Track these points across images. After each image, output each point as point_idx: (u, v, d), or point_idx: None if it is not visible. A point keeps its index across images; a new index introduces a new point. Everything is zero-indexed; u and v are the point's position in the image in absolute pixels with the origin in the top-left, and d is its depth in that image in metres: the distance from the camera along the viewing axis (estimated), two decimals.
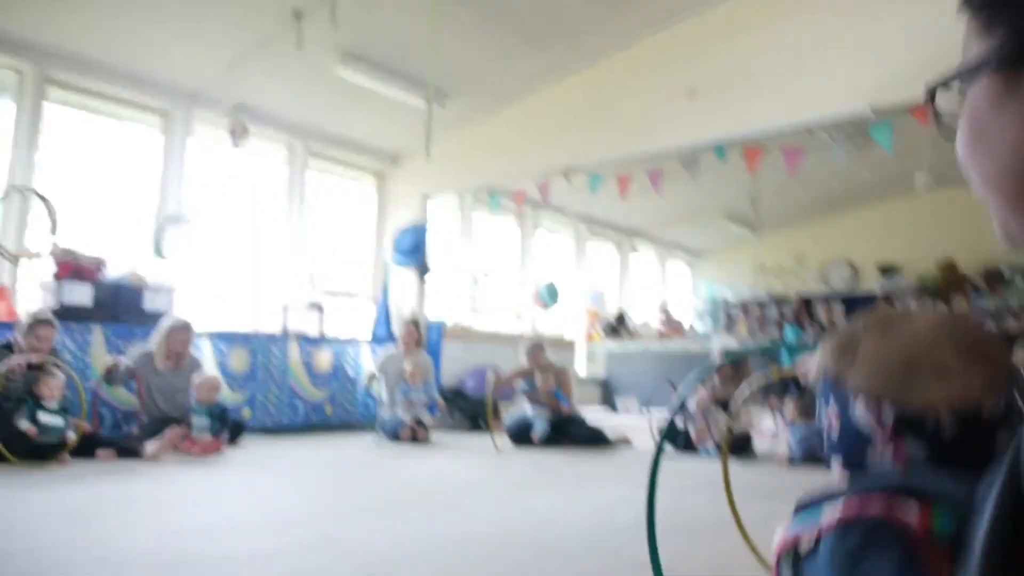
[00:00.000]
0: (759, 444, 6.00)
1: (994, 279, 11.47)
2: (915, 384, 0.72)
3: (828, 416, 0.81)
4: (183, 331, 5.54)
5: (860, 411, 0.76)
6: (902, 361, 0.74)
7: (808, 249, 13.47)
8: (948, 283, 11.58)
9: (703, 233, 13.41)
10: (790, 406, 5.50)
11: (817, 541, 0.70)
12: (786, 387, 9.84)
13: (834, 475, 0.81)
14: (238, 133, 7.37)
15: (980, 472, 0.68)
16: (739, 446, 5.67)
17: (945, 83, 0.67)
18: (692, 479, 4.48)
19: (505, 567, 2.31)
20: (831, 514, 0.70)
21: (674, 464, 5.21)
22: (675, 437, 5.96)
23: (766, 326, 12.94)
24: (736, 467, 5.17)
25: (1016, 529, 0.51)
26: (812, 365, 1.42)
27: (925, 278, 11.87)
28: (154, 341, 5.51)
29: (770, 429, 7.57)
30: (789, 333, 10.14)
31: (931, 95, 0.69)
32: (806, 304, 12.05)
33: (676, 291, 14.33)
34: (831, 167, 9.41)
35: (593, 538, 2.77)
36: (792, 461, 5.16)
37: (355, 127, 8.39)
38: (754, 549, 2.19)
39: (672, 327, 11.82)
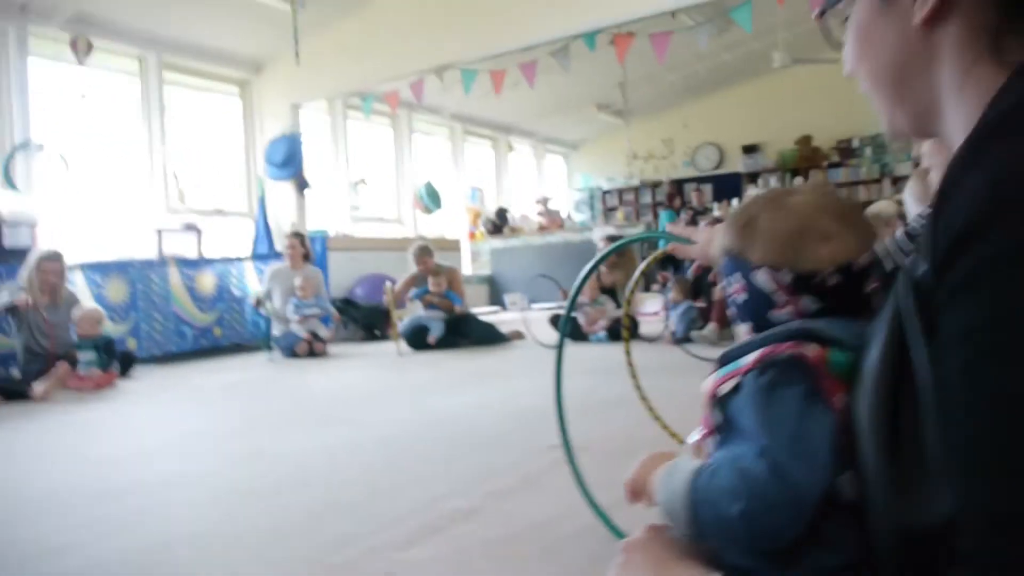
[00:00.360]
0: (644, 326, 6.35)
1: (846, 152, 12.23)
2: (805, 249, 0.87)
3: (735, 287, 0.93)
4: (54, 261, 5.17)
5: (762, 278, 0.89)
6: (793, 232, 0.88)
7: (677, 134, 13.87)
8: (805, 158, 12.27)
9: (577, 125, 13.56)
10: (673, 288, 5.78)
11: (739, 383, 0.84)
12: (666, 270, 10.34)
13: (741, 336, 0.95)
14: (81, 48, 6.82)
15: (858, 315, 0.86)
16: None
17: (834, 3, 0.77)
18: (589, 363, 4.72)
19: (429, 453, 2.42)
20: (749, 360, 0.84)
21: (568, 352, 5.45)
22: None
23: (642, 212, 13.39)
24: (620, 348, 5.49)
25: (898, 358, 0.64)
26: (694, 250, 1.61)
27: (784, 154, 12.52)
28: (23, 277, 5.17)
29: (653, 310, 7.99)
30: (664, 218, 10.55)
31: (822, 14, 0.79)
32: (678, 188, 12.52)
33: (554, 184, 14.53)
34: (695, 52, 9.66)
35: (506, 425, 2.92)
36: (676, 338, 5.48)
37: (212, 35, 7.89)
38: (658, 418, 2.37)
39: (552, 220, 12.05)
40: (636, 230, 11.32)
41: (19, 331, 4.98)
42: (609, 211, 13.66)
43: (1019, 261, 0.49)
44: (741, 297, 0.93)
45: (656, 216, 12.06)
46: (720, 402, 0.88)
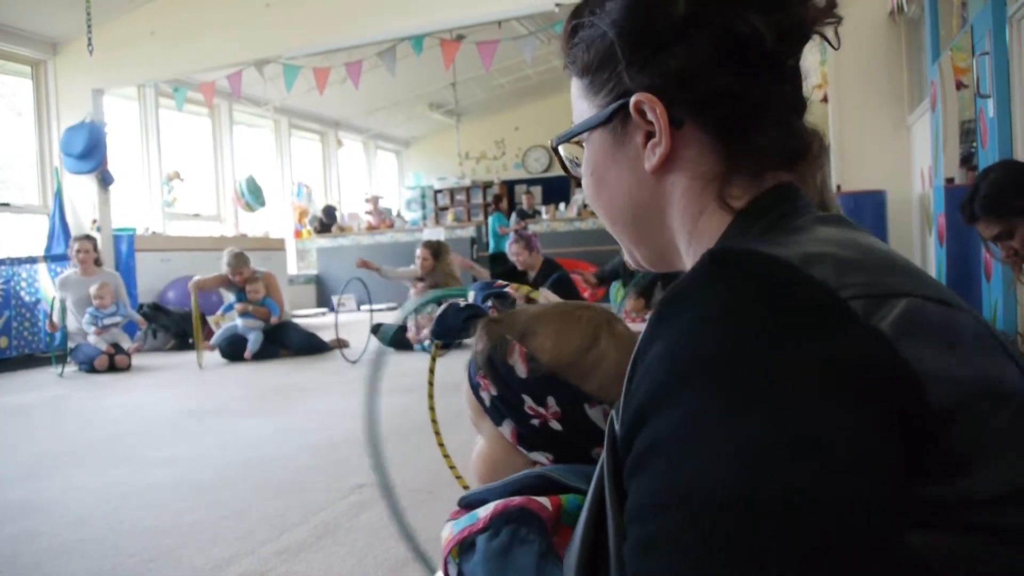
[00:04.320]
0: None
1: None
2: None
3: (541, 412, 0.81)
4: None
5: (597, 415, 0.80)
6: (623, 369, 0.82)
7: (508, 136, 14.05)
8: None
9: (408, 123, 13.41)
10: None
11: (471, 540, 0.76)
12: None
13: (539, 470, 0.82)
14: None
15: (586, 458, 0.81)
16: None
17: (566, 140, 0.75)
18: (409, 378, 4.63)
19: (221, 499, 2.26)
20: (484, 514, 0.77)
21: (389, 363, 5.34)
22: (389, 336, 6.10)
23: (473, 213, 13.45)
24: (448, 359, 5.45)
25: (599, 521, 0.60)
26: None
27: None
28: None
29: None
30: (493, 221, 10.64)
31: (555, 149, 0.78)
32: (509, 189, 12.67)
33: (385, 182, 14.30)
34: (524, 58, 9.79)
35: (312, 458, 2.79)
36: None
37: (1, 7, 7.09)
38: (447, 455, 2.32)
39: (381, 219, 11.85)
40: (466, 231, 11.34)
41: None
42: (441, 211, 13.64)
43: (679, 441, 0.48)
44: (554, 425, 0.80)
45: (486, 217, 12.14)
46: (459, 559, 0.80)
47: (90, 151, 7.49)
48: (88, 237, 6.26)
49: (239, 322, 6.09)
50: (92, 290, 5.77)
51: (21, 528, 2.16)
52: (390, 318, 6.64)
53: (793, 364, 0.47)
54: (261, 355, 5.91)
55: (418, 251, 6.25)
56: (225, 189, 10.11)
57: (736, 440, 0.45)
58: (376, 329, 6.08)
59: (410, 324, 6.07)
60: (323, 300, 11.14)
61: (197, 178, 9.74)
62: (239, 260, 6.22)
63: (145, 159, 8.95)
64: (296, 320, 7.21)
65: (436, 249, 6.26)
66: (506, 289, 1.02)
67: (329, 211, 11.67)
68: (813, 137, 0.68)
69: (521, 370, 0.81)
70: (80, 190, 7.73)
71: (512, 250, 5.86)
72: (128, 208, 8.41)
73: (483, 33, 7.41)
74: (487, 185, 13.65)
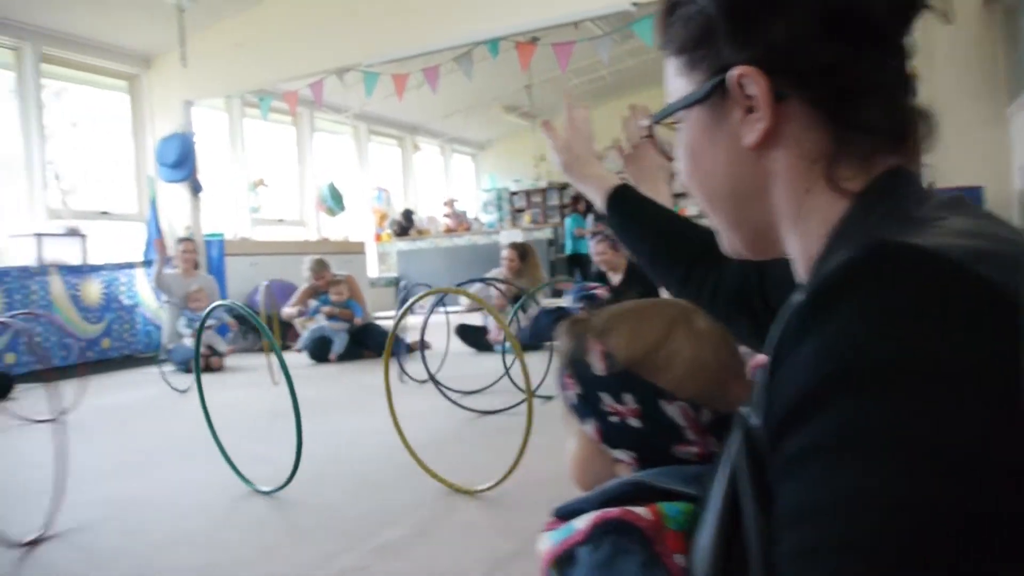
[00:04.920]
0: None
1: None
2: (727, 389, 0.80)
3: (622, 408, 0.82)
4: None
5: (675, 411, 0.79)
6: (716, 368, 0.81)
7: None
8: None
9: (484, 126, 13.51)
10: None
11: (571, 552, 0.76)
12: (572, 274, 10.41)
13: (623, 471, 0.84)
14: None
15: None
16: (534, 341, 5.96)
17: (663, 118, 0.74)
18: (488, 379, 4.67)
19: (321, 496, 2.32)
20: (581, 526, 0.76)
21: (471, 364, 5.40)
22: (471, 336, 6.16)
23: (549, 214, 13.46)
24: (527, 359, 5.46)
25: (733, 522, 0.59)
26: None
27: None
28: None
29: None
30: (570, 222, 10.62)
31: (650, 129, 0.77)
32: None
33: (461, 185, 14.45)
34: (600, 58, 9.74)
35: (402, 457, 2.83)
36: None
37: (97, 26, 7.44)
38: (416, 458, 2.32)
39: (459, 221, 11.98)
40: (543, 233, 11.37)
41: None
42: (517, 213, 13.68)
43: (846, 443, 0.46)
44: (633, 422, 0.81)
45: (563, 219, 12.12)
46: (559, 569, 0.79)
47: (182, 160, 7.80)
48: (187, 240, 6.55)
49: (325, 324, 6.24)
50: (190, 292, 6.00)
51: (132, 521, 2.26)
52: (471, 320, 6.68)
53: (968, 368, 0.45)
54: (346, 356, 6.04)
55: (504, 252, 6.25)
56: (308, 195, 10.38)
57: (909, 446, 0.44)
58: (461, 330, 6.14)
59: (490, 325, 6.11)
60: (404, 302, 11.32)
61: (281, 184, 10.03)
62: (320, 265, 6.45)
63: (232, 167, 9.26)
64: (379, 322, 7.34)
65: (522, 251, 6.27)
66: (596, 291, 1.04)
67: (408, 214, 11.86)
68: (921, 118, 0.66)
69: (599, 368, 0.83)
70: (173, 198, 8.06)
71: (596, 250, 5.80)
72: (217, 214, 8.71)
73: (558, 35, 7.41)
74: (563, 187, 13.63)
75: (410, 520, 2.09)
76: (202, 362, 5.74)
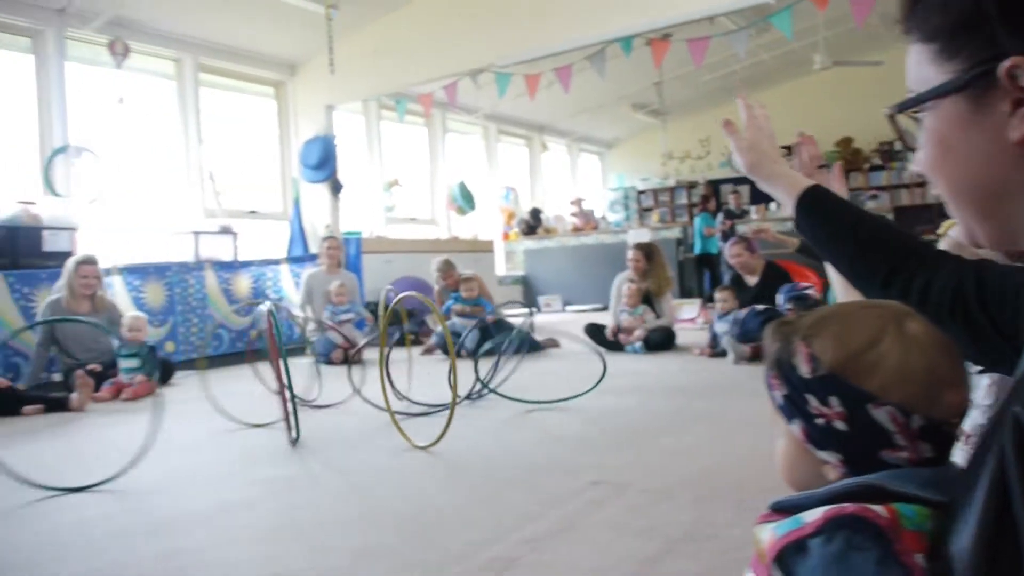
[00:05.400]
0: (681, 336, 6.25)
1: (888, 154, 11.98)
2: (942, 396, 0.78)
3: (828, 411, 0.81)
4: (91, 264, 5.13)
5: (884, 416, 0.79)
6: (930, 374, 0.79)
7: (714, 134, 13.70)
8: (845, 161, 12.05)
9: (611, 124, 13.45)
10: (721, 294, 5.57)
11: (800, 543, 0.76)
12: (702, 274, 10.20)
13: (830, 472, 0.84)
14: (118, 51, 6.88)
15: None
16: (662, 340, 5.88)
17: (911, 107, 0.71)
18: (624, 379, 4.64)
19: (462, 488, 2.38)
20: (812, 518, 0.76)
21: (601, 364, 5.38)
22: (600, 336, 6.14)
23: (677, 213, 13.24)
24: (657, 360, 5.40)
25: (1000, 540, 0.57)
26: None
27: (824, 156, 12.27)
28: (61, 283, 5.17)
29: (689, 317, 7.88)
30: (699, 221, 10.40)
31: (893, 117, 0.74)
32: (714, 189, 12.34)
33: (588, 184, 14.43)
34: (733, 53, 9.49)
35: (539, 454, 2.87)
36: (715, 350, 5.37)
37: (247, 36, 7.92)
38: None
39: (586, 220, 11.98)
40: (672, 232, 11.20)
41: (43, 343, 5.02)
42: (644, 212, 13.53)
43: None
44: (839, 425, 0.81)
45: (691, 218, 11.90)
46: (782, 562, 0.79)
47: (324, 162, 8.16)
48: (334, 239, 6.85)
49: (456, 321, 6.38)
50: (333, 287, 6.28)
51: (312, 494, 2.39)
52: (598, 318, 6.67)
53: None
54: (476, 353, 6.14)
55: (630, 253, 6.20)
56: (439, 194, 10.64)
57: None
58: (590, 329, 6.14)
59: (615, 325, 6.07)
60: (530, 300, 11.43)
61: (414, 184, 10.33)
62: (447, 265, 6.67)
63: (368, 168, 9.61)
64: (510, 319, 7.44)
65: (648, 251, 6.19)
66: (808, 291, 1.02)
67: (535, 213, 11.95)
68: None
69: (804, 370, 0.82)
70: (314, 197, 8.45)
71: (731, 252, 5.65)
72: (354, 213, 9.06)
73: (690, 30, 7.28)
74: (691, 185, 13.39)
75: (555, 515, 2.12)
76: (342, 355, 6.00)
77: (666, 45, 6.89)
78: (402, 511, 2.25)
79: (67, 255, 5.79)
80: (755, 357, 5.03)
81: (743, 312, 5.19)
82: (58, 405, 4.41)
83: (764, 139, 1.28)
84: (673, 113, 12.97)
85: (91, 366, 4.86)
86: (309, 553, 1.92)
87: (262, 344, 7.07)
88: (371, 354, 6.52)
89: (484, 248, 10.15)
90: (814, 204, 1.13)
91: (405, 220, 10.09)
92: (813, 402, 0.82)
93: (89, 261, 5.17)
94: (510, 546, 1.89)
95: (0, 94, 6.53)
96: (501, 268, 11.41)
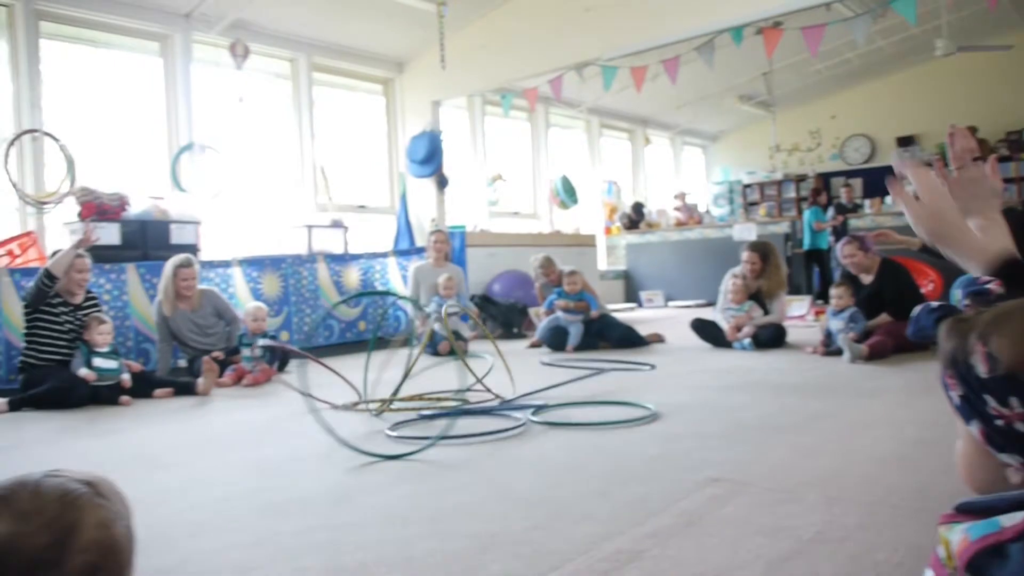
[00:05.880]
0: (792, 333, 6.06)
1: (1017, 144, 11.28)
2: None
3: (1005, 413, 0.78)
4: (188, 267, 5.29)
5: None
6: None
7: (824, 125, 13.24)
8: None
9: (717, 117, 13.17)
10: (837, 290, 5.35)
11: (999, 548, 0.73)
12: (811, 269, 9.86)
13: (1012, 475, 0.81)
14: (239, 52, 7.19)
15: None
16: (772, 338, 5.72)
17: None
18: (733, 376, 4.55)
19: (579, 481, 2.38)
20: (1014, 522, 0.73)
21: (709, 361, 5.29)
22: (707, 331, 6.02)
23: (784, 208, 12.85)
24: (767, 358, 5.26)
25: None
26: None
27: (944, 147, 11.67)
28: (161, 287, 5.35)
29: (799, 314, 7.65)
30: (809, 215, 10.05)
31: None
32: (825, 182, 11.92)
33: (691, 178, 14.19)
34: (848, 40, 9.14)
35: (653, 448, 2.84)
36: (829, 348, 5.19)
37: (358, 36, 8.15)
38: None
39: (690, 215, 11.78)
40: (779, 227, 10.89)
41: (163, 337, 5.29)
42: (750, 206, 13.18)
43: None
44: (1021, 427, 0.78)
45: (800, 212, 11.53)
46: (975, 566, 0.76)
47: (430, 157, 8.31)
48: (442, 232, 6.96)
49: (560, 315, 6.38)
50: (440, 280, 6.39)
51: (432, 481, 2.45)
52: (702, 314, 6.53)
53: None
54: (582, 347, 6.14)
55: (744, 255, 5.95)
56: (541, 188, 10.67)
57: None
58: (696, 324, 6.04)
59: (722, 322, 5.94)
60: (631, 295, 11.33)
61: (516, 178, 10.40)
62: (548, 262, 6.69)
63: (472, 162, 9.72)
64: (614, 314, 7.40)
65: (764, 251, 5.92)
66: (989, 286, 0.97)
67: (638, 207, 11.83)
68: None
69: (982, 370, 0.79)
70: (420, 192, 8.61)
71: (844, 252, 5.42)
72: (458, 207, 9.19)
73: (803, 18, 7.05)
74: (800, 178, 12.96)
75: (675, 510, 2.09)
76: (448, 346, 6.10)
77: (779, 34, 6.68)
78: (523, 500, 2.27)
79: (192, 248, 6.11)
80: (872, 357, 4.84)
81: (917, 310, 4.98)
82: (186, 389, 4.66)
83: (945, 205, 1.18)
84: (781, 104, 12.59)
85: (215, 353, 5.10)
86: (437, 537, 1.96)
87: (368, 335, 7.27)
88: (475, 346, 6.62)
89: (586, 242, 10.12)
90: (1016, 273, 1.07)
91: (508, 214, 10.17)
92: (992, 403, 0.79)
93: (186, 264, 5.31)
94: (633, 539, 1.89)
95: (132, 96, 6.93)
96: (603, 263, 11.35)
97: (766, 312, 5.83)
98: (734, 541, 1.86)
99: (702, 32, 6.75)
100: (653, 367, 4.97)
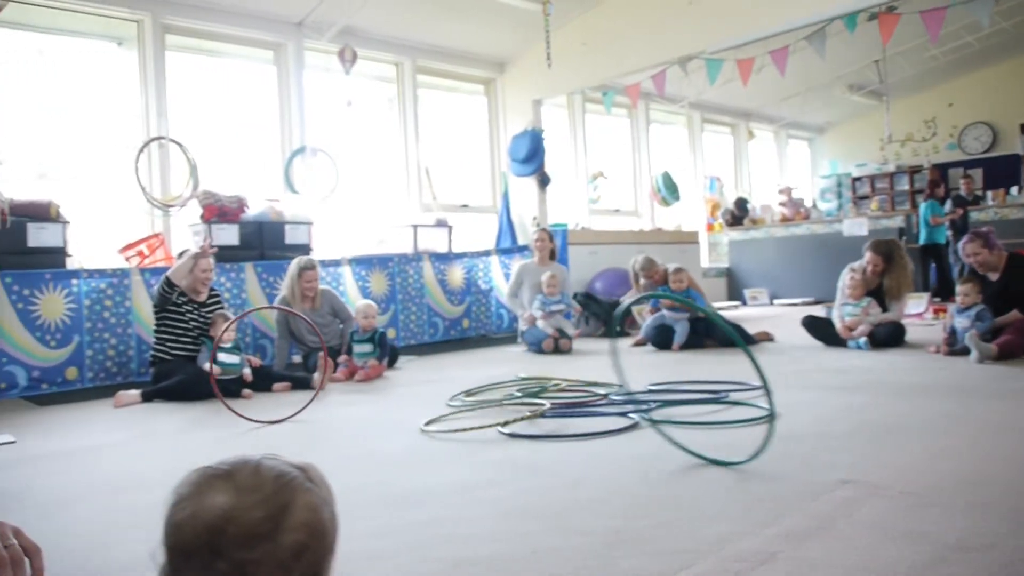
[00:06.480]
0: (910, 332, 5.80)
1: None
2: None
3: None
4: (311, 269, 5.47)
5: None
6: None
7: (940, 113, 12.61)
8: None
9: (824, 108, 12.72)
10: (963, 287, 5.08)
11: None
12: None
13: None
14: (347, 58, 7.39)
15: None
16: (890, 336, 5.49)
17: None
18: (848, 375, 4.39)
19: (705, 478, 2.35)
20: None
21: (822, 360, 5.12)
22: (819, 329, 5.83)
23: (897, 201, 12.31)
24: (885, 357, 5.04)
25: None
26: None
27: None
28: (286, 286, 5.54)
29: (916, 311, 7.32)
30: (925, 209, 9.58)
31: None
32: (942, 173, 11.35)
33: (797, 172, 13.76)
34: (969, 23, 8.68)
35: (778, 449, 2.77)
36: (953, 348, 4.93)
37: (461, 37, 8.26)
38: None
39: (796, 210, 11.42)
40: (893, 221, 10.43)
41: (283, 334, 5.49)
42: (860, 200, 12.67)
43: None
44: None
45: (915, 205, 11.02)
46: None
47: (532, 155, 8.35)
48: (546, 231, 6.96)
49: (665, 313, 6.30)
50: (544, 278, 6.41)
51: (527, 483, 2.46)
52: (811, 312, 6.32)
53: None
54: (688, 345, 6.05)
55: (866, 256, 5.71)
56: (642, 185, 10.55)
57: None
58: (808, 321, 5.86)
59: (836, 319, 5.72)
60: (734, 293, 11.08)
61: (617, 175, 10.32)
62: (649, 263, 6.58)
63: (573, 160, 9.71)
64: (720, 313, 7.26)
65: (888, 250, 5.65)
66: None
67: (741, 203, 11.56)
68: None
69: None
70: (522, 191, 8.66)
71: (968, 251, 5.12)
72: (559, 205, 9.19)
73: (920, 1, 6.73)
74: (914, 170, 12.38)
75: (807, 512, 2.03)
76: (552, 344, 6.11)
77: (895, 19, 6.39)
78: (643, 498, 2.25)
79: (305, 247, 6.34)
80: (1002, 356, 4.58)
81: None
82: (302, 384, 4.83)
83: None
84: (894, 93, 12.06)
85: (342, 359, 5.28)
86: (560, 533, 1.97)
87: (471, 332, 7.38)
88: (579, 344, 6.62)
89: (688, 239, 9.95)
90: None
91: (609, 212, 10.11)
92: None
93: (310, 267, 5.48)
94: (764, 540, 1.84)
95: (248, 103, 7.24)
96: (705, 260, 11.14)
97: (885, 311, 5.59)
98: (872, 546, 1.79)
99: (813, 20, 6.52)
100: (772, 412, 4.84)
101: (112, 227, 6.25)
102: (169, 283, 4.82)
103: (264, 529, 0.74)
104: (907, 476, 2.34)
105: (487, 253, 7.77)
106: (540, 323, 6.32)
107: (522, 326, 6.57)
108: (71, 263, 5.43)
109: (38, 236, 5.25)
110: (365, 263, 6.75)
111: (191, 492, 0.77)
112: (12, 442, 3.55)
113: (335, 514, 0.86)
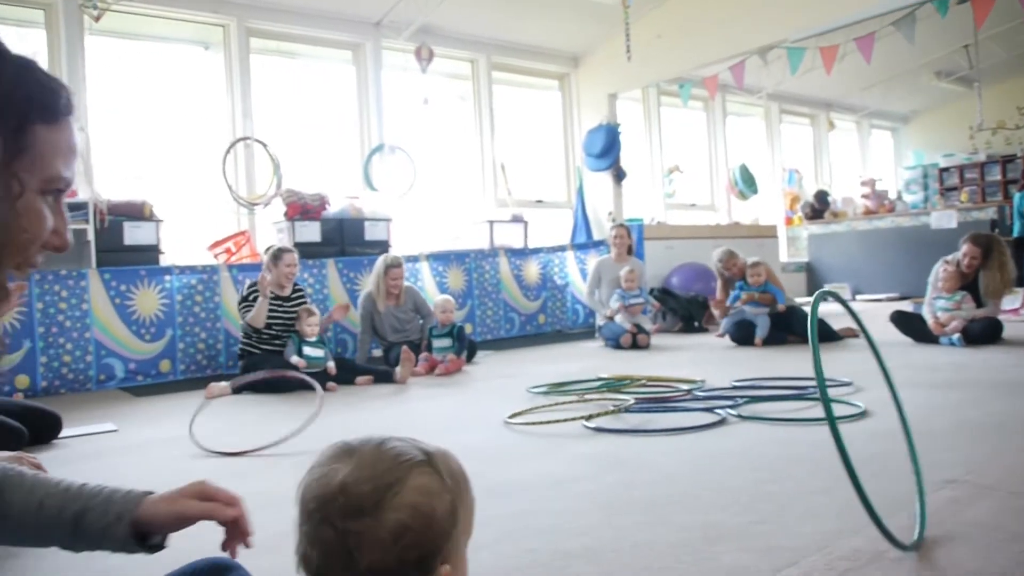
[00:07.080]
0: (1006, 328, 5.56)
1: None
2: None
3: None
4: (397, 267, 5.58)
5: None
6: None
7: None
8: None
9: (909, 96, 12.27)
10: None
11: None
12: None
13: None
14: (424, 56, 7.47)
15: None
16: (986, 332, 5.27)
17: None
18: (939, 373, 4.23)
19: (802, 473, 2.30)
20: None
21: (914, 357, 4.95)
22: (909, 325, 5.64)
23: (988, 192, 11.79)
24: (980, 354, 4.84)
25: None
26: None
27: None
28: (372, 283, 5.66)
29: (1012, 307, 7.02)
30: (1020, 200, 9.14)
31: None
32: None
33: (879, 163, 13.32)
34: None
35: (872, 447, 2.69)
36: None
37: (535, 33, 8.26)
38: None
39: (879, 202, 11.06)
40: (984, 214, 10.00)
41: (366, 329, 5.59)
42: (948, 191, 12.18)
43: None
44: None
45: (1007, 196, 10.53)
46: None
47: (607, 150, 8.29)
48: (624, 227, 6.91)
49: (745, 308, 6.18)
50: (623, 273, 6.37)
51: (617, 477, 2.45)
52: (897, 307, 6.11)
53: None
54: (770, 341, 5.93)
55: (963, 248, 5.50)
56: (719, 179, 10.38)
57: None
58: (896, 317, 5.68)
59: (928, 315, 5.52)
60: (814, 288, 10.79)
61: (693, 169, 10.17)
62: (729, 255, 6.46)
63: (648, 154, 9.61)
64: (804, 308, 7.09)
65: (987, 244, 5.42)
66: None
67: (821, 196, 11.25)
68: None
69: None
70: (597, 185, 8.61)
71: None
72: (635, 200, 9.11)
73: None
74: (1007, 159, 11.83)
75: (913, 510, 1.97)
76: (630, 339, 6.07)
77: (991, 1, 6.12)
78: (739, 494, 2.21)
79: (384, 244, 6.45)
80: None
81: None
82: (385, 377, 4.91)
83: None
84: (984, 79, 11.55)
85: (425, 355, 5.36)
86: (657, 527, 1.95)
87: (547, 327, 7.38)
88: (658, 340, 6.56)
89: (766, 233, 9.74)
90: None
91: (685, 206, 9.98)
92: None
93: (396, 264, 5.60)
94: (869, 539, 1.79)
95: (328, 102, 7.39)
96: (784, 254, 10.88)
97: (980, 304, 5.37)
98: (986, 547, 1.72)
99: (902, 5, 6.30)
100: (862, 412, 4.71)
101: (201, 225, 6.47)
102: (252, 327, 4.98)
103: (368, 503, 0.77)
104: (1015, 476, 2.25)
105: (563, 248, 7.76)
106: (618, 318, 6.28)
107: (600, 321, 6.55)
108: (164, 260, 5.66)
109: (133, 234, 5.48)
110: (442, 259, 6.82)
111: (322, 461, 0.83)
112: (114, 430, 3.71)
113: (457, 507, 0.86)
